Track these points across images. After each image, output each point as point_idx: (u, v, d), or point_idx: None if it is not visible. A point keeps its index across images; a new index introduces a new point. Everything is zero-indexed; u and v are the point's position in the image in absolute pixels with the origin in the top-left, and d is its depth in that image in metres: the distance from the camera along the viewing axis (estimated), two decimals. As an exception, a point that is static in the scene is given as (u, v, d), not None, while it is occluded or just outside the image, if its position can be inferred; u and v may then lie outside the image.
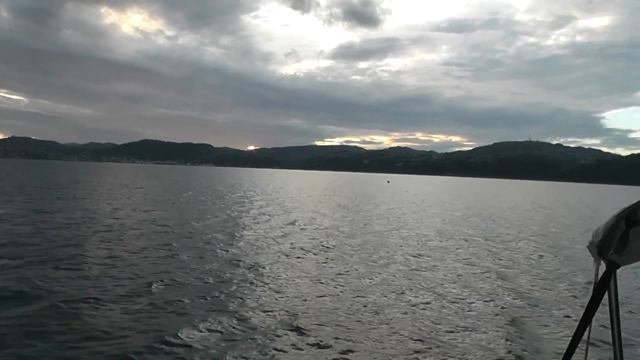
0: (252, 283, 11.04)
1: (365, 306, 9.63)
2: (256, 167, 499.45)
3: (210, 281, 11.04)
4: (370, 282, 11.77)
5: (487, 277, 13.00)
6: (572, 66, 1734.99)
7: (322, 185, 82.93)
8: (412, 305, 9.84)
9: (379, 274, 12.80)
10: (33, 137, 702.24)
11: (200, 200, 35.69)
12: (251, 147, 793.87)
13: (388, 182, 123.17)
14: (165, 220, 21.68)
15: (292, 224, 23.27)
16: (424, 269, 13.78)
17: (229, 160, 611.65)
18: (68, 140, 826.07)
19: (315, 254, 15.41)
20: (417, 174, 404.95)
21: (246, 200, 38.52)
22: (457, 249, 18.08)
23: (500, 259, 16.11)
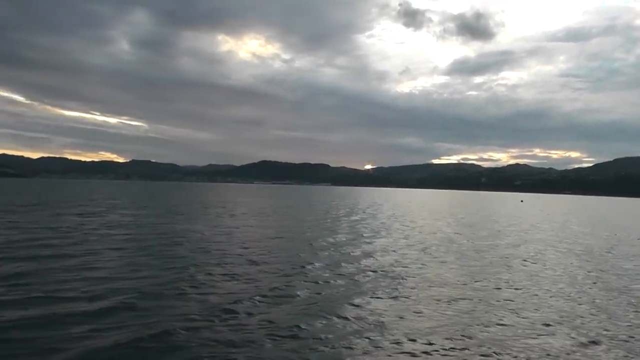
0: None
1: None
2: (373, 186, 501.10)
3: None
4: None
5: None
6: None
7: (449, 205, 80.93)
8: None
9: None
10: (153, 160, 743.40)
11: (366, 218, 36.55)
12: (368, 166, 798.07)
13: (522, 201, 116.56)
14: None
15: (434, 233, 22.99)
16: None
17: (346, 179, 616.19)
18: (187, 163, 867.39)
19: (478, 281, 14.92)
20: (535, 192, 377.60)
21: (386, 218, 38.72)
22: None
23: None
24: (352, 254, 18.08)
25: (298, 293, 11.34)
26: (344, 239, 22.98)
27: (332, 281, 12.89)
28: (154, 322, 8.66)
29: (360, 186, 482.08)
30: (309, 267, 14.78)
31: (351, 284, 12.63)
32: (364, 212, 47.70)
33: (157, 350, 7.43)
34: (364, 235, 25.18)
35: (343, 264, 15.55)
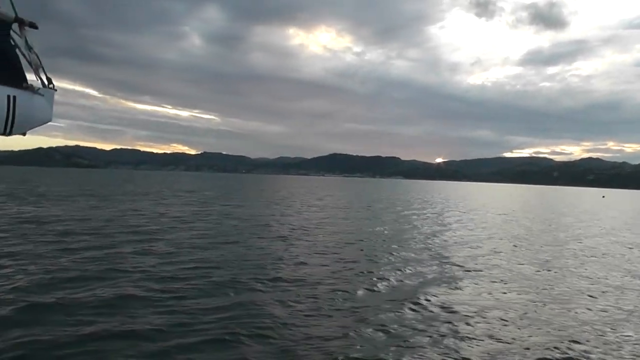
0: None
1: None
2: (444, 179, 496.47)
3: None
4: None
5: None
6: None
7: (529, 200, 77.53)
8: None
9: None
10: (224, 152, 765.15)
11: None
12: (439, 160, 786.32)
13: (603, 197, 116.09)
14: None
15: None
16: None
17: (417, 173, 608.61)
18: (258, 155, 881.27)
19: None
20: (608, 187, 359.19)
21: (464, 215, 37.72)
22: None
23: None
24: (439, 247, 18.19)
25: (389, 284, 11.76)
26: (431, 231, 23.61)
27: (417, 270, 13.45)
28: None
29: (431, 179, 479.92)
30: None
31: (432, 275, 13.03)
32: (448, 206, 48.24)
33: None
34: (453, 228, 25.88)
35: (428, 257, 15.77)
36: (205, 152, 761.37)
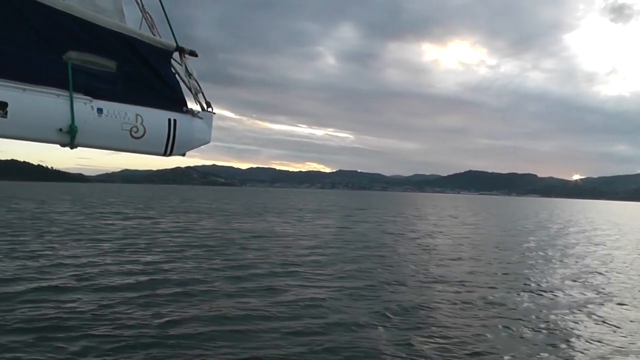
0: None
1: None
2: (582, 197, 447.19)
3: None
4: None
5: None
6: None
7: None
8: None
9: None
10: (359, 170, 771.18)
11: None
12: (576, 176, 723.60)
13: None
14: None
15: None
16: None
17: (554, 190, 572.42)
18: (393, 173, 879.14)
19: None
20: None
21: None
22: None
23: None
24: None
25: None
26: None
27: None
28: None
29: (569, 198, 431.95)
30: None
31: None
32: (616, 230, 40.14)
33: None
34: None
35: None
36: (340, 170, 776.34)
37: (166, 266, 14.20)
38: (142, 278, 12.32)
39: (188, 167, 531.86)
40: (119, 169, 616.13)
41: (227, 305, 9.90)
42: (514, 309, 10.68)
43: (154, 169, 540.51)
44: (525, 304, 11.20)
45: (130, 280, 12.04)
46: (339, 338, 8.16)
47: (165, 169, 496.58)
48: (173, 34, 3.48)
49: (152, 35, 3.47)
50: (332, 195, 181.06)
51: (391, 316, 9.62)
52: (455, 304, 10.85)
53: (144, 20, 3.58)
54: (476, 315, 10.04)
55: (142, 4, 3.59)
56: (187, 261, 15.30)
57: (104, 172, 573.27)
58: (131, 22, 3.55)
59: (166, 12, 3.49)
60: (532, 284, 13.55)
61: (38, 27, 2.92)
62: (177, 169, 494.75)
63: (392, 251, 19.68)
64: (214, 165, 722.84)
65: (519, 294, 12.16)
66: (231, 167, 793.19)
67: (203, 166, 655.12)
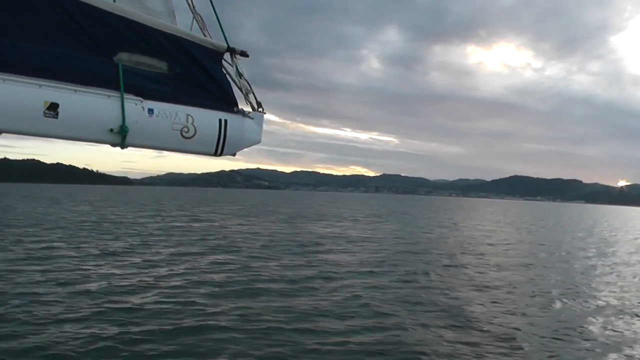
0: None
1: None
2: (629, 204, 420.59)
3: None
4: None
5: None
6: None
7: None
8: None
9: None
10: (402, 174, 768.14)
11: None
12: (622, 183, 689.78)
13: None
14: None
15: None
16: None
17: (599, 197, 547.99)
18: (437, 177, 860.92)
19: None
20: None
21: None
22: None
23: None
24: None
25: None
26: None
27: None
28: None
29: (615, 204, 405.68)
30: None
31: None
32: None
33: None
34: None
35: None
36: (384, 174, 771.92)
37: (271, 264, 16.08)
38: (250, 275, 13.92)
39: (232, 171, 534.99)
40: (164, 172, 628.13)
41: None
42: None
43: (198, 172, 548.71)
44: None
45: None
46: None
47: (210, 172, 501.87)
48: (224, 34, 3.46)
49: (203, 36, 3.45)
50: (380, 199, 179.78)
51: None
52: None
53: (194, 21, 3.56)
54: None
55: (192, 5, 3.58)
56: (281, 260, 16.97)
57: (149, 175, 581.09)
58: (182, 24, 3.55)
59: (217, 12, 3.47)
60: None
61: (88, 29, 2.93)
62: (222, 172, 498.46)
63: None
64: (257, 168, 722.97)
65: None
66: (275, 170, 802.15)
67: (247, 169, 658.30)
